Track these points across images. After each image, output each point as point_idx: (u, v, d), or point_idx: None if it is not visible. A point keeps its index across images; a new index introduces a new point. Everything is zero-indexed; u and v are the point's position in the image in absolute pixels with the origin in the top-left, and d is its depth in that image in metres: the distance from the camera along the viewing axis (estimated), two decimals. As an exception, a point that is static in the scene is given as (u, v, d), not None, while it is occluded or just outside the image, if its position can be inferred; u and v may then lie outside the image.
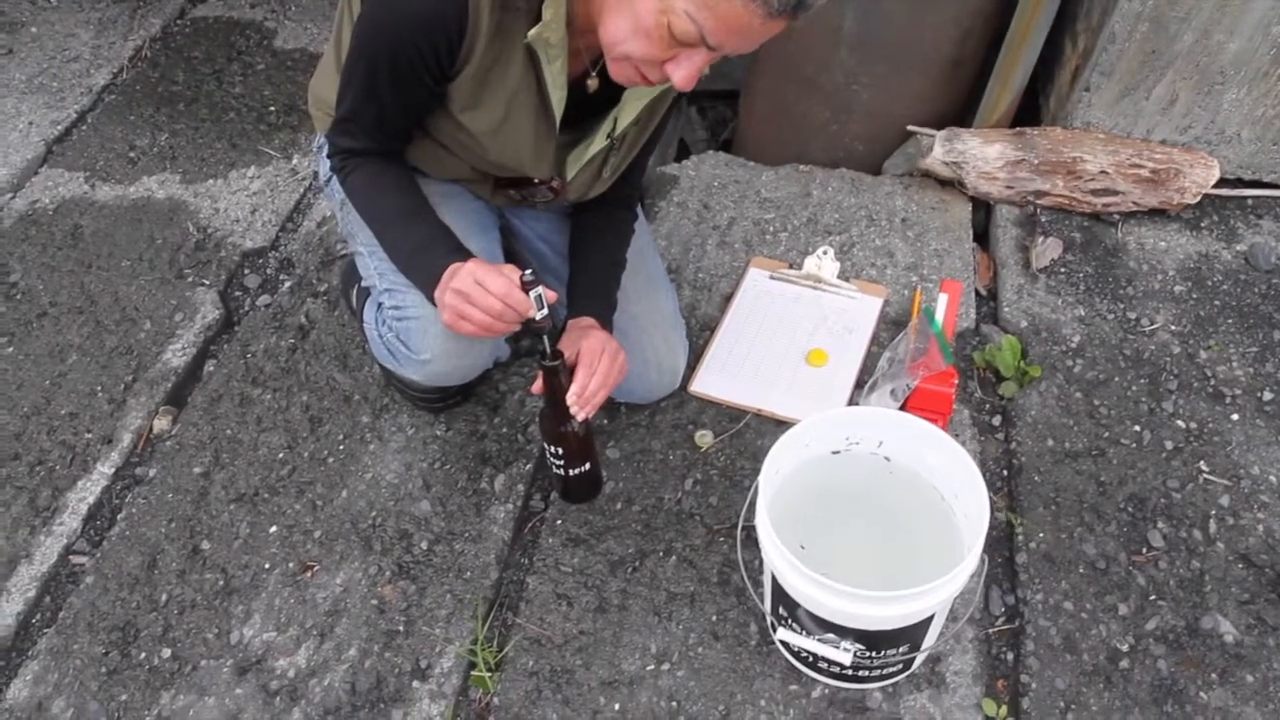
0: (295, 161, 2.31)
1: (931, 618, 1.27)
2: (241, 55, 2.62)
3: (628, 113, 1.40)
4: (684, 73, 1.16)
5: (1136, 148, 2.00)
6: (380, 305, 1.55)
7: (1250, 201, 2.08)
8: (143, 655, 1.48)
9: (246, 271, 2.08)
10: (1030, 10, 1.90)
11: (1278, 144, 2.00)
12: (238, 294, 2.04)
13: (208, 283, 2.03)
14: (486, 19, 1.20)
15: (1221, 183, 2.05)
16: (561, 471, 1.56)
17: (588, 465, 1.57)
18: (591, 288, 1.58)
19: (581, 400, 1.42)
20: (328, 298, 1.98)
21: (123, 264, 2.06)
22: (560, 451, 1.52)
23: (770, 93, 2.25)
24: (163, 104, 2.47)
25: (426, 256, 1.38)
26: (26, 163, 2.31)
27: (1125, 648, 1.43)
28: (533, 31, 1.22)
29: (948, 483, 1.35)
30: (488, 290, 1.27)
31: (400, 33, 1.22)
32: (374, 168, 1.42)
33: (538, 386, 1.44)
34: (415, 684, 1.44)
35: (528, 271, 1.29)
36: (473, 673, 1.45)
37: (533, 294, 1.30)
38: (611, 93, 1.36)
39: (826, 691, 1.40)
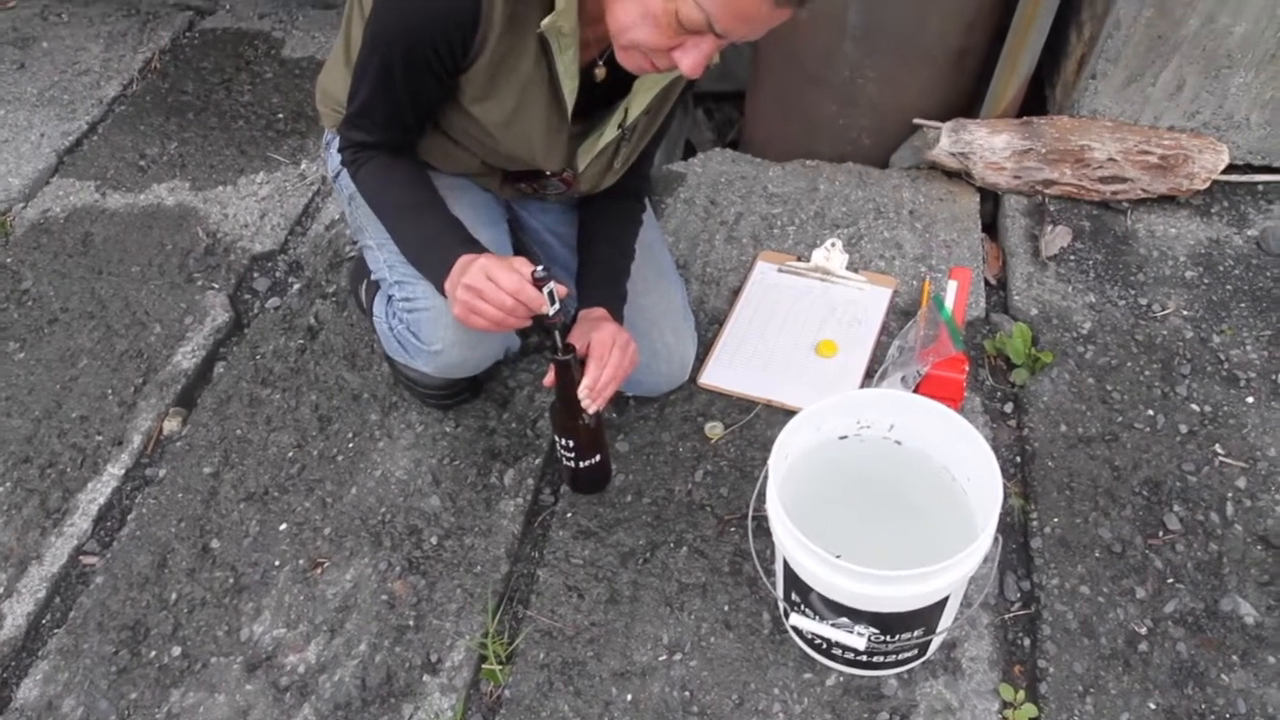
0: (304, 166, 2.32)
1: (946, 600, 1.25)
2: (250, 65, 2.64)
3: (638, 102, 1.40)
4: (691, 60, 1.16)
5: (1144, 135, 1.99)
6: (390, 298, 1.55)
7: (1261, 187, 2.07)
8: (152, 653, 1.48)
9: (256, 275, 2.08)
10: (1035, -5, 1.90)
11: (1287, 128, 1.99)
12: (247, 297, 2.04)
13: (217, 286, 2.04)
14: (500, 10, 1.20)
15: (1231, 169, 2.03)
16: (572, 464, 1.55)
17: (598, 457, 1.57)
18: (601, 279, 1.58)
19: (593, 393, 1.41)
20: (336, 299, 1.98)
21: (133, 270, 2.07)
22: (571, 444, 1.52)
23: (776, 89, 2.25)
24: (172, 113, 2.49)
25: (437, 248, 1.37)
26: (38, 173, 2.33)
27: (1144, 631, 1.41)
28: (546, 21, 1.22)
29: (960, 464, 1.34)
30: (499, 286, 1.26)
31: (415, 25, 1.22)
32: (384, 161, 1.42)
33: (549, 380, 1.43)
34: (426, 678, 1.43)
35: (539, 268, 1.28)
36: (484, 666, 1.44)
37: (544, 290, 1.29)
38: (621, 83, 1.36)
39: (841, 679, 1.39)
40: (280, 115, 2.47)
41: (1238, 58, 1.89)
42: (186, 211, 2.21)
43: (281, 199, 2.24)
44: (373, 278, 1.62)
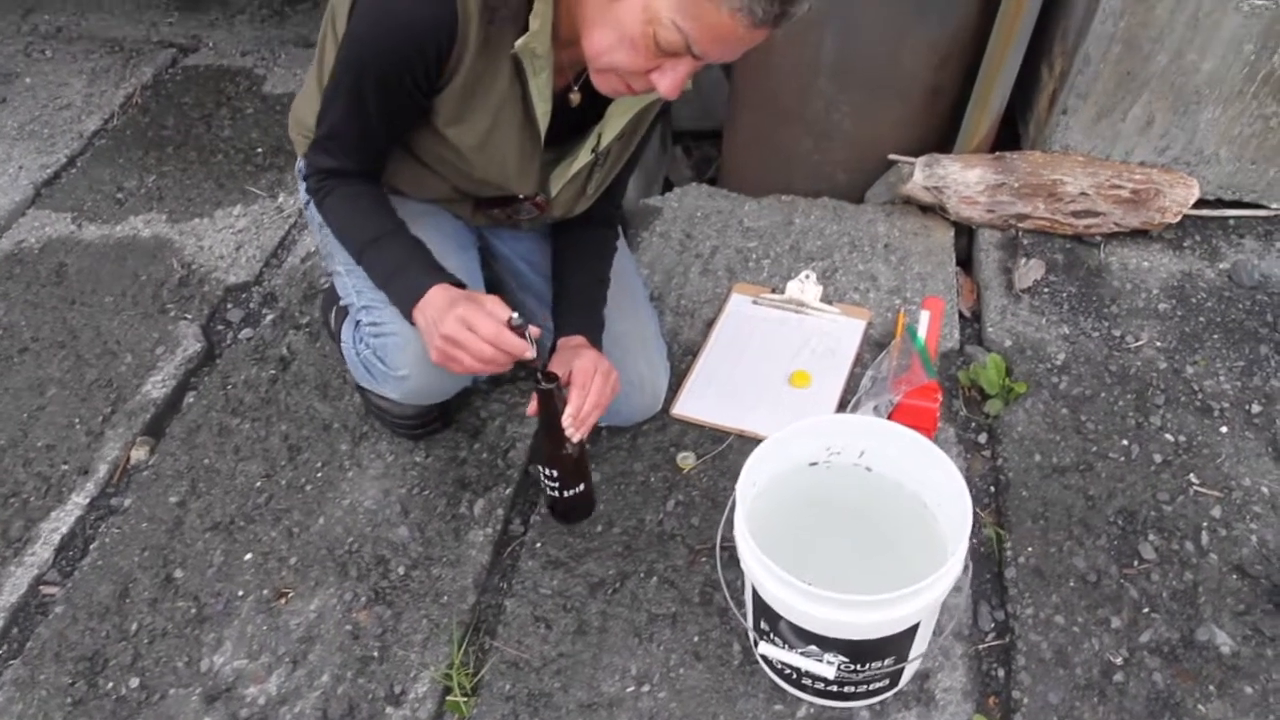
0: (281, 200, 2.32)
1: (916, 627, 1.23)
2: (231, 100, 2.65)
3: (612, 127, 1.40)
4: (669, 82, 1.16)
5: (1116, 169, 2.01)
6: (358, 323, 1.54)
7: (1232, 221, 2.09)
8: (110, 685, 1.44)
9: (229, 306, 2.07)
10: (1006, 31, 1.92)
11: (1256, 163, 2.01)
12: (220, 327, 2.03)
13: (190, 317, 2.02)
14: (475, 30, 1.20)
15: (1201, 203, 2.05)
16: (556, 493, 1.54)
17: (582, 486, 1.55)
18: (579, 306, 1.57)
19: (577, 421, 1.40)
20: (310, 330, 1.97)
21: (106, 300, 2.06)
22: (556, 473, 1.50)
23: (752, 125, 2.26)
24: (152, 148, 2.49)
25: (404, 276, 1.37)
26: (14, 205, 2.32)
27: (1119, 661, 1.39)
28: (519, 42, 1.22)
29: (930, 491, 1.33)
30: (479, 334, 1.25)
31: (390, 45, 1.22)
32: (351, 189, 1.41)
33: (532, 409, 1.42)
34: (389, 710, 1.40)
35: (515, 315, 1.27)
36: (448, 697, 1.41)
37: (524, 336, 1.28)
38: (594, 109, 1.36)
39: (812, 711, 1.36)
40: (259, 150, 2.48)
41: (1206, 93, 1.92)
42: (162, 243, 2.20)
43: (258, 231, 2.23)
44: (341, 303, 1.61)
